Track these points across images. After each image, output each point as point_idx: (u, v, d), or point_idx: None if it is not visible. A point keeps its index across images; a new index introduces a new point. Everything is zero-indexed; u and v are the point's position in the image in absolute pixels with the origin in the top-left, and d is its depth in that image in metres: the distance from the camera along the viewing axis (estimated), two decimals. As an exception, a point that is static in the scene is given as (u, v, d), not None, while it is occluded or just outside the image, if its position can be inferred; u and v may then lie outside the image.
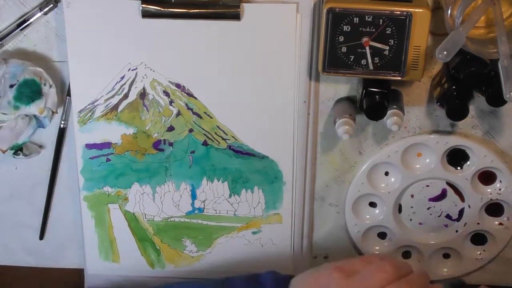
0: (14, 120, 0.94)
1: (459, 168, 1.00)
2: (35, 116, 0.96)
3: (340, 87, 0.96)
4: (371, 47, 0.87)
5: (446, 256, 1.06)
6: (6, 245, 1.08)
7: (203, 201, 1.02)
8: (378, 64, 0.88)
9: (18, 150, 0.98)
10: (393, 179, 1.01)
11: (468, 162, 0.99)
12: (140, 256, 1.05)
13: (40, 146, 1.01)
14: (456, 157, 1.00)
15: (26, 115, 0.95)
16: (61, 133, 1.00)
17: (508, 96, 0.82)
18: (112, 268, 1.06)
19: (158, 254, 1.05)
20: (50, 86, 0.95)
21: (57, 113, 0.97)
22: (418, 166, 1.00)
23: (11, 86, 0.93)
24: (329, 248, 1.06)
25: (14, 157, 0.99)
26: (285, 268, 1.05)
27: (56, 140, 1.00)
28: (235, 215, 1.02)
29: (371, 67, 0.88)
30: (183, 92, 0.96)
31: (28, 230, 1.07)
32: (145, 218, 1.03)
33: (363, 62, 0.89)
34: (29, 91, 0.93)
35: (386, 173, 1.01)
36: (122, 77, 0.95)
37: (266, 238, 1.04)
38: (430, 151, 0.99)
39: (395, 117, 0.91)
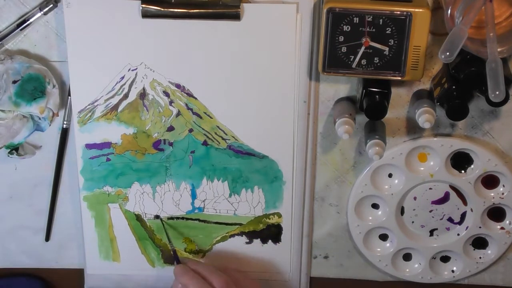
0: (12, 120, 0.95)
1: (462, 171, 0.99)
2: (33, 118, 0.96)
3: (340, 87, 0.96)
4: (367, 47, 0.87)
5: (447, 259, 1.06)
6: (5, 247, 1.08)
7: (203, 201, 1.02)
8: (378, 64, 0.88)
9: (13, 149, 0.99)
10: (396, 181, 1.01)
11: (472, 166, 0.99)
12: (141, 255, 1.05)
13: (40, 147, 1.02)
14: (460, 161, 0.99)
15: (24, 116, 0.95)
16: (64, 133, 1.00)
17: (493, 95, 0.82)
18: (112, 267, 1.06)
19: (158, 253, 1.05)
20: (54, 86, 0.95)
21: (58, 115, 0.97)
22: (422, 168, 0.99)
23: (14, 82, 0.93)
24: (329, 248, 1.06)
25: (9, 156, 0.99)
26: (285, 268, 1.05)
27: (59, 140, 1.01)
28: (235, 215, 1.02)
29: (354, 65, 0.88)
30: (183, 92, 0.96)
31: (28, 232, 1.07)
32: (146, 217, 1.03)
33: (363, 62, 0.88)
34: (32, 88, 0.93)
35: (390, 175, 1.01)
36: (122, 77, 0.95)
37: (266, 237, 1.03)
38: (434, 154, 0.98)
39: (377, 147, 0.92)
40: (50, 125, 0.97)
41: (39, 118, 0.96)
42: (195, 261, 1.03)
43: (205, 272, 0.97)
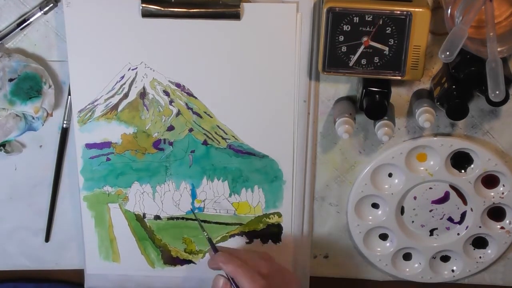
0: (5, 118, 0.95)
1: (462, 171, 0.99)
2: (25, 117, 0.96)
3: (340, 87, 0.96)
4: (367, 47, 0.87)
5: (447, 258, 1.06)
6: (5, 249, 1.08)
7: (203, 201, 1.02)
8: (378, 63, 0.88)
9: (0, 146, 0.98)
10: (396, 181, 1.01)
11: (472, 165, 0.99)
12: (140, 255, 1.05)
13: (40, 146, 1.01)
14: (460, 160, 0.99)
15: (17, 115, 0.95)
16: (64, 133, 1.00)
17: (493, 95, 0.82)
18: (112, 268, 1.06)
19: (158, 253, 1.05)
20: (50, 87, 0.95)
21: (52, 116, 0.97)
22: (422, 168, 0.99)
23: (11, 80, 0.93)
24: (329, 247, 1.06)
25: None
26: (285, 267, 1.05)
27: (59, 140, 1.01)
28: (235, 215, 1.02)
29: (352, 63, 0.88)
30: (183, 92, 0.96)
31: (28, 233, 1.06)
32: (146, 217, 1.03)
33: (363, 61, 0.89)
34: (28, 87, 0.93)
35: (390, 175, 1.01)
36: (122, 77, 0.95)
37: (266, 237, 1.03)
38: (434, 154, 0.98)
39: (386, 128, 0.92)
40: (43, 125, 0.97)
41: (33, 118, 0.96)
42: (232, 248, 0.97)
43: (249, 258, 0.91)
